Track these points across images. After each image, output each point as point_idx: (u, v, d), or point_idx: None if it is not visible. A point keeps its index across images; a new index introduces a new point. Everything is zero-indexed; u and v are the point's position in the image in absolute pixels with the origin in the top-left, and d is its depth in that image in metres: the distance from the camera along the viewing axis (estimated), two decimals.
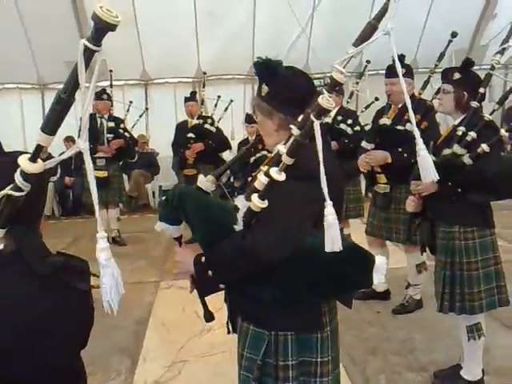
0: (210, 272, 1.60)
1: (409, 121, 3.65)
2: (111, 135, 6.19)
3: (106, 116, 6.26)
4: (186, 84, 8.79)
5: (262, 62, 1.65)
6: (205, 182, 1.81)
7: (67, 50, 8.02)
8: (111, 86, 6.85)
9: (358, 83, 5.65)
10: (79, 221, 8.14)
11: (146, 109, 8.18)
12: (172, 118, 8.27)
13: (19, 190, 1.12)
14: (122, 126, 6.38)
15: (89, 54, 0.99)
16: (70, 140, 7.72)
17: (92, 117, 6.29)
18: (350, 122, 4.97)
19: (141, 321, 4.17)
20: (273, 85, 1.67)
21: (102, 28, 0.95)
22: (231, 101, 7.10)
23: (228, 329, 1.88)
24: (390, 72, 3.82)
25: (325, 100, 1.34)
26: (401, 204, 3.78)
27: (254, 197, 1.47)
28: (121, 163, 6.64)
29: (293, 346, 1.67)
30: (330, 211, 1.41)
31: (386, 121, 3.95)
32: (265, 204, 1.47)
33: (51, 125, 1.07)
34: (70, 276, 1.25)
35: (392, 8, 1.38)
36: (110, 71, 6.76)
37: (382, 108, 4.16)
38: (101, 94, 6.14)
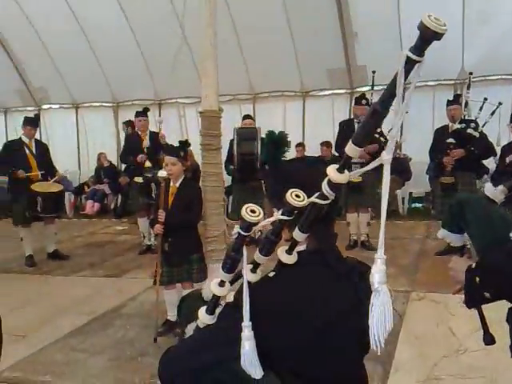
0: (477, 279, 1.51)
1: None
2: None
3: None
4: (446, 86, 8.37)
5: None
6: (493, 191, 1.73)
7: (330, 58, 8.51)
8: (372, 88, 6.87)
9: None
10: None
11: (406, 112, 8.03)
12: (429, 122, 7.96)
13: (325, 198, 1.17)
14: (378, 130, 6.37)
15: (410, 66, 0.96)
16: None
17: (350, 122, 6.47)
18: None
19: (392, 330, 4.09)
20: None
21: (429, 38, 0.91)
22: (499, 104, 6.48)
23: None
24: None
25: None
26: None
27: None
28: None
29: None
30: None
31: None
32: None
33: (361, 137, 1.09)
34: (363, 278, 1.23)
35: None
36: (373, 72, 6.76)
37: None
38: (361, 99, 6.25)
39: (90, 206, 10.04)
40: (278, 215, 1.18)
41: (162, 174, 4.05)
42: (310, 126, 9.06)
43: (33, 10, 9.21)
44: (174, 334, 4.03)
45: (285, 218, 1.18)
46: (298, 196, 1.15)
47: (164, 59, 9.26)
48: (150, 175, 6.50)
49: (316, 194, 1.18)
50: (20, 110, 10.94)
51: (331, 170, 1.14)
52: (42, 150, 6.67)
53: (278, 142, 1.54)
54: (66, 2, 9.00)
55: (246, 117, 7.29)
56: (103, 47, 9.44)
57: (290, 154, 9.13)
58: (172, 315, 4.16)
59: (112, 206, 10.35)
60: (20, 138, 6.56)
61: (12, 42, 10.07)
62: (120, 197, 9.99)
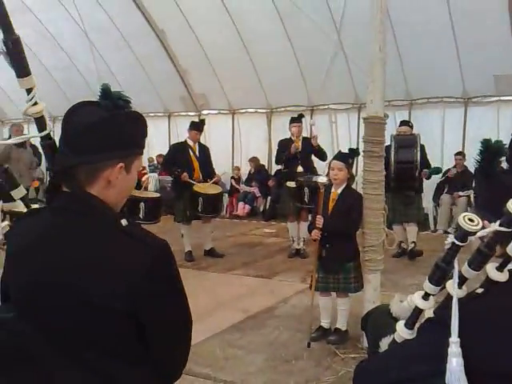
0: None
1: None
2: None
3: None
4: None
5: None
6: None
7: (497, 63, 7.87)
8: None
9: None
10: None
11: None
12: None
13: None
14: None
15: None
16: None
17: None
18: None
19: None
20: None
21: None
22: None
23: None
24: None
25: None
26: None
27: None
28: None
29: None
30: None
31: None
32: None
33: None
34: None
35: None
36: None
37: None
38: None
39: (241, 208, 10.48)
40: (495, 226, 1.08)
41: (321, 179, 4.05)
42: (472, 133, 8.44)
43: (196, 21, 9.82)
44: (327, 341, 4.01)
45: (503, 229, 1.08)
46: None
47: (318, 65, 9.34)
48: (302, 179, 6.54)
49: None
50: (182, 114, 11.75)
51: None
52: (205, 153, 7.08)
53: (494, 150, 1.43)
54: (228, 13, 9.46)
55: (403, 123, 7.00)
56: (260, 55, 9.75)
57: (449, 163, 8.66)
58: (326, 322, 4.14)
59: (261, 209, 10.68)
60: (185, 141, 7.04)
61: (177, 52, 10.82)
62: (269, 200, 10.28)
